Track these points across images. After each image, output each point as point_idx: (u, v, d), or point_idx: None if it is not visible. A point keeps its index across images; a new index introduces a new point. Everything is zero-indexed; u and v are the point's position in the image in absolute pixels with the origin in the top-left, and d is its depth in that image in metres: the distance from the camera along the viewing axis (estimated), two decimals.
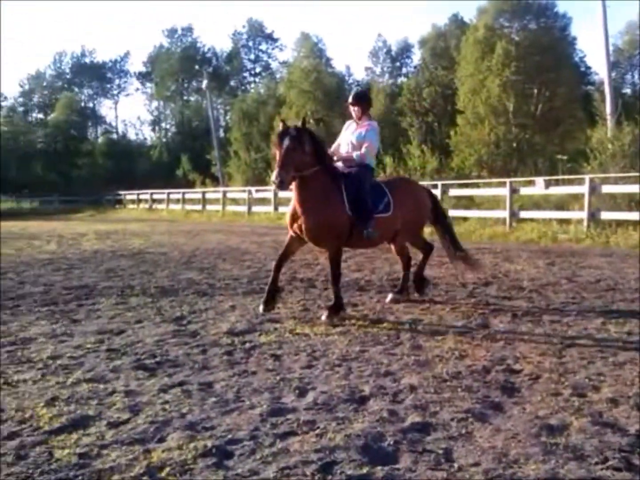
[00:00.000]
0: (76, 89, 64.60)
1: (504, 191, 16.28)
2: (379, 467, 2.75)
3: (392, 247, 6.98)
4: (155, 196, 35.38)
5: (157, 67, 63.35)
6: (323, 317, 5.79)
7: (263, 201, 26.92)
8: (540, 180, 15.76)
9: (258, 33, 66.48)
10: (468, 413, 3.38)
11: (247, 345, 4.92)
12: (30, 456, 2.89)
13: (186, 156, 46.84)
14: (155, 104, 66.03)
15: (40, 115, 62.84)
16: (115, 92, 67.87)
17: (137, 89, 68.13)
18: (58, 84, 63.76)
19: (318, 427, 3.20)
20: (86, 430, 3.19)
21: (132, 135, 67.13)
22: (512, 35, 31.13)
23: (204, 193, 31.44)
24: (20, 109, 62.38)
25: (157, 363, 4.44)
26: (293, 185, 5.74)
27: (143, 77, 66.90)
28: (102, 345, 4.97)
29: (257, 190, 27.69)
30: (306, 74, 40.11)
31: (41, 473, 2.71)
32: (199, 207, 30.08)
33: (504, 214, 15.98)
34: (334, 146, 6.49)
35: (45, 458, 2.87)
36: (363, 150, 6.10)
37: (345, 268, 9.29)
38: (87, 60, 65.82)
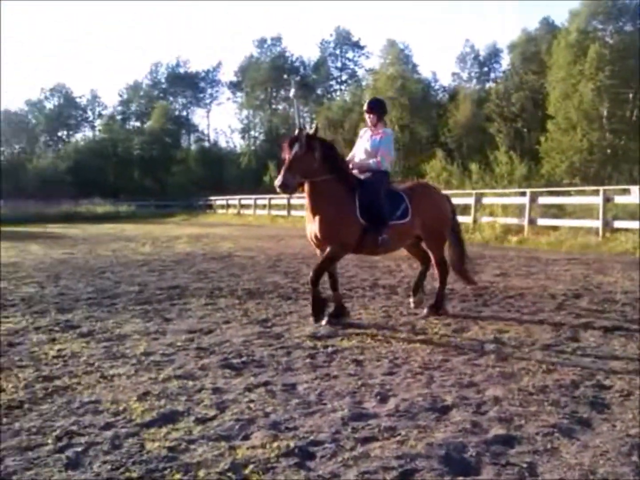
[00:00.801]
0: (171, 98, 67.32)
1: (597, 200, 15.53)
2: (461, 478, 2.72)
3: (431, 257, 6.71)
4: (243, 202, 36.28)
5: (247, 76, 65.03)
6: (323, 322, 5.89)
7: None
8: (635, 189, 14.91)
9: (345, 41, 66.95)
10: (554, 428, 3.27)
11: (330, 349, 4.98)
12: (124, 446, 3.06)
13: (273, 163, 47.71)
14: (245, 112, 67.72)
15: (137, 124, 65.93)
16: (207, 101, 70.18)
17: (228, 98, 70.18)
18: (154, 94, 66.68)
19: (399, 434, 3.19)
20: (175, 425, 3.34)
21: (222, 143, 69.25)
22: (607, 38, 29.80)
23: (289, 199, 31.89)
24: (119, 117, 65.76)
25: (243, 363, 4.57)
26: (305, 193, 5.86)
27: (234, 86, 68.81)
28: (192, 343, 5.18)
29: None
30: (392, 80, 40.01)
31: (133, 463, 2.86)
32: (284, 212, 30.53)
33: (597, 223, 15.23)
34: (350, 154, 6.51)
35: (137, 449, 3.02)
36: (379, 157, 6.13)
37: (428, 276, 9.19)
38: (182, 70, 68.47)
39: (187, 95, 68.66)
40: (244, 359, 4.69)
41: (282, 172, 5.59)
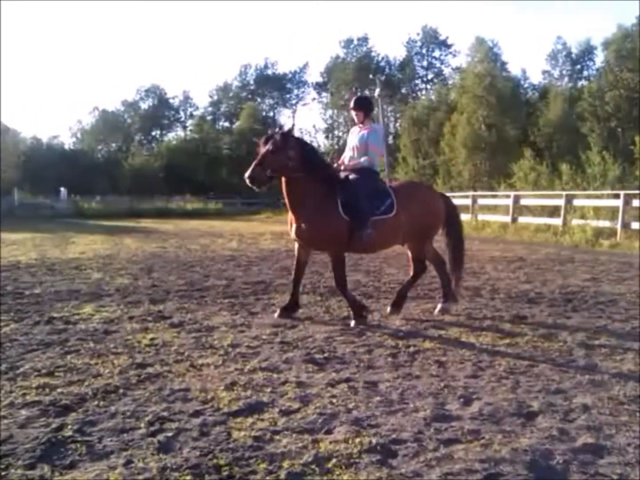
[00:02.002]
0: (258, 99, 68.66)
1: None
2: None
3: (409, 253, 6.70)
4: None
5: (333, 77, 65.39)
6: (352, 324, 5.83)
7: None
8: None
9: (432, 40, 65.99)
10: None
11: (412, 349, 4.95)
12: (212, 434, 3.18)
13: None
14: (329, 112, 68.17)
15: (226, 124, 67.74)
16: (293, 101, 71.13)
17: (314, 99, 70.76)
18: (243, 95, 68.23)
19: (483, 438, 3.15)
20: (261, 415, 3.44)
21: None
22: None
23: None
24: (209, 117, 67.77)
25: (326, 358, 4.64)
26: (284, 192, 5.95)
27: (319, 87, 69.34)
28: (276, 337, 5.30)
29: None
30: (480, 78, 39.01)
31: (221, 450, 2.97)
32: None
33: None
34: (342, 156, 6.52)
35: (225, 437, 3.13)
36: (369, 154, 6.17)
37: (514, 279, 8.98)
38: (270, 72, 69.70)
39: (274, 96, 69.80)
40: (326, 354, 4.75)
41: (252, 165, 5.73)
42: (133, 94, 68.14)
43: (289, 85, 70.25)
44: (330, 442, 3.07)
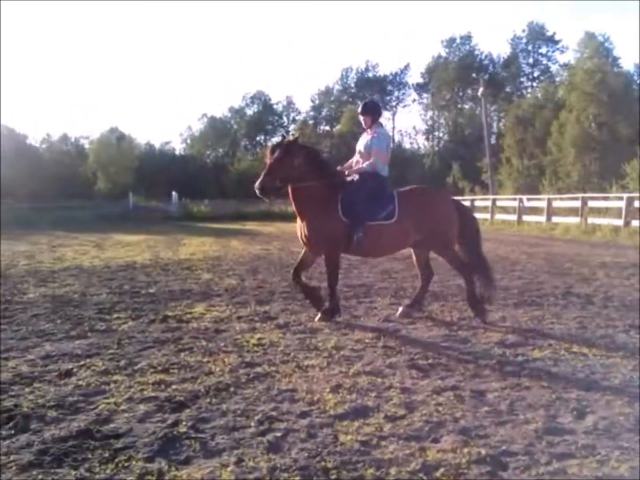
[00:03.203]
0: (359, 102, 68.76)
1: None
2: None
3: (414, 257, 6.72)
4: None
5: (434, 77, 64.54)
6: (316, 319, 6.12)
7: (535, 210, 25.65)
8: None
9: (538, 36, 63.56)
10: None
11: (520, 358, 4.80)
12: (319, 436, 3.23)
13: (457, 164, 46.91)
14: (430, 113, 67.34)
15: (327, 127, 68.55)
16: (393, 103, 70.82)
17: (414, 100, 70.18)
18: (344, 98, 68.81)
19: (599, 454, 3.00)
20: (366, 420, 3.46)
21: (406, 144, 69.41)
22: None
23: (472, 201, 31.13)
24: (311, 122, 68.83)
25: (430, 365, 4.59)
26: (290, 199, 6.14)
27: (420, 87, 68.69)
28: (379, 341, 5.31)
29: (528, 199, 26.53)
30: (589, 75, 37.10)
31: (328, 453, 3.01)
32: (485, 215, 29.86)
33: None
34: (350, 160, 6.63)
35: (331, 440, 3.18)
36: (372, 159, 6.20)
37: (628, 286, 8.45)
38: (370, 74, 69.83)
39: (374, 99, 69.81)
40: (430, 360, 4.70)
41: (261, 176, 5.91)
42: (239, 101, 70.33)
43: (389, 87, 70.03)
44: (438, 451, 3.04)
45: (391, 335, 5.58)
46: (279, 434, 3.24)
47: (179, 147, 67.50)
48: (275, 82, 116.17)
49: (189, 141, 68.71)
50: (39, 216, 25.80)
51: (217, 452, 3.06)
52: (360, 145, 6.46)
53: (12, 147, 43.44)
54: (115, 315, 6.39)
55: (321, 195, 6.05)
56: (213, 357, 4.77)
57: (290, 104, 71.61)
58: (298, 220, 6.29)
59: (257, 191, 5.96)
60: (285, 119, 71.85)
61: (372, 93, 68.29)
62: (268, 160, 6.05)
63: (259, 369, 4.44)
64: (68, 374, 4.33)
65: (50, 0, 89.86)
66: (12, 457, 2.98)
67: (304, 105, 77.57)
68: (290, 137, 6.25)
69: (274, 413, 3.55)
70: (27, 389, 4.00)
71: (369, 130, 6.41)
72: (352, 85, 70.19)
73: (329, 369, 4.45)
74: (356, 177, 6.29)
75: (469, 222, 6.57)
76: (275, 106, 71.17)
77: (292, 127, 70.15)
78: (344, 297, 7.53)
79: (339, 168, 6.56)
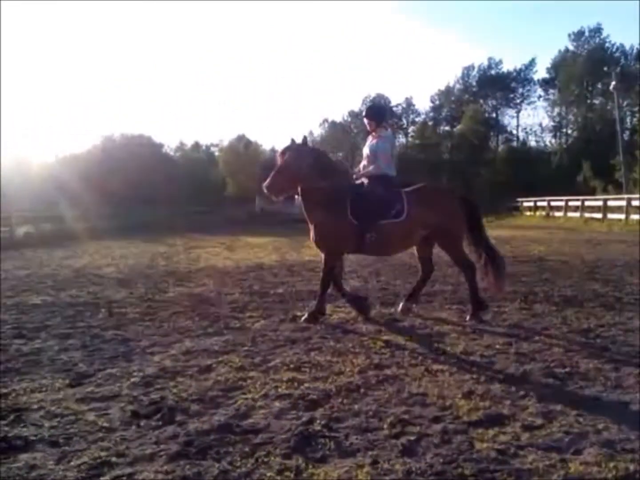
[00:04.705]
0: (481, 101, 67.03)
1: None
2: None
3: (416, 251, 6.87)
4: (552, 203, 34.42)
5: (561, 72, 61.36)
6: (302, 320, 6.21)
7: None
8: None
9: None
10: None
11: None
12: (453, 442, 3.18)
13: (588, 162, 44.24)
14: (557, 109, 64.06)
15: (447, 128, 67.29)
16: (517, 101, 68.08)
17: (540, 96, 67.03)
18: (465, 97, 67.17)
19: None
20: (502, 428, 3.35)
21: (532, 142, 66.55)
22: None
23: (605, 200, 29.23)
24: (430, 122, 67.84)
25: (567, 373, 4.37)
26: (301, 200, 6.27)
27: (546, 83, 65.51)
28: (511, 347, 5.13)
29: None
30: None
31: (464, 460, 2.95)
32: (599, 215, 28.08)
33: None
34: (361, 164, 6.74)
35: (467, 447, 3.11)
36: (377, 162, 6.35)
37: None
38: (493, 72, 67.61)
39: (497, 97, 67.53)
40: (567, 369, 4.48)
41: (270, 175, 6.07)
42: (359, 104, 70.84)
43: (513, 84, 67.39)
44: (581, 464, 2.89)
45: (523, 341, 5.37)
46: (412, 438, 3.23)
47: None
48: (394, 84, 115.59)
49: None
50: (174, 220, 27.39)
51: (351, 452, 3.09)
52: (366, 149, 6.63)
53: (149, 155, 46.49)
54: (248, 314, 6.67)
55: (331, 196, 6.16)
56: (342, 358, 4.84)
57: (409, 105, 70.99)
58: (308, 221, 6.38)
59: (264, 190, 6.14)
60: (404, 120, 71.31)
61: (494, 91, 66.18)
62: (278, 162, 6.21)
63: (387, 371, 4.44)
64: (208, 369, 4.59)
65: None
66: (161, 447, 3.18)
67: (423, 106, 76.46)
68: (300, 140, 6.44)
69: (406, 416, 3.54)
70: (171, 383, 4.28)
71: (373, 133, 6.59)
72: (474, 83, 68.26)
73: (460, 374, 4.37)
74: (365, 179, 6.43)
75: (476, 219, 6.70)
76: (394, 108, 70.83)
77: (410, 128, 69.56)
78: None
79: (350, 172, 6.72)
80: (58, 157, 45.61)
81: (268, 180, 6.13)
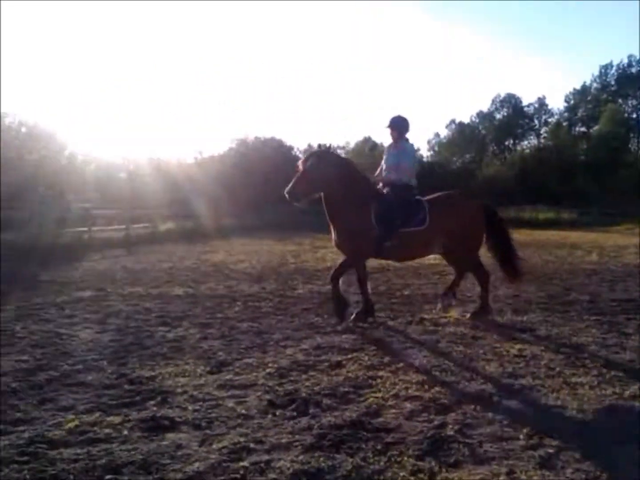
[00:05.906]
0: (620, 100, 62.73)
1: None
2: None
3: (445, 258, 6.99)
4: None
5: None
6: (350, 320, 6.29)
7: None
8: None
9: None
10: None
11: None
12: (596, 458, 3.01)
13: None
14: None
15: (583, 129, 63.59)
16: None
17: None
18: (602, 97, 63.12)
19: None
20: None
21: None
22: None
23: None
24: (565, 123, 64.40)
25: None
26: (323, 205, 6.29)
27: None
28: None
29: None
30: None
31: (607, 479, 2.80)
32: None
33: None
34: (379, 169, 6.82)
35: (609, 465, 2.95)
36: (399, 172, 6.47)
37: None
38: (634, 69, 62.98)
39: (638, 97, 62.84)
40: None
41: (292, 181, 6.06)
42: (488, 105, 68.74)
43: None
44: None
45: None
46: (551, 451, 3.11)
47: (426, 155, 68.16)
48: (526, 83, 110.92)
49: (436, 148, 68.99)
50: (302, 219, 28.04)
51: (486, 459, 3.04)
52: (387, 160, 6.69)
53: (280, 157, 47.94)
54: (376, 315, 6.71)
55: (354, 202, 6.22)
56: (472, 364, 4.76)
57: (542, 105, 67.78)
58: (331, 227, 6.41)
59: (286, 195, 6.10)
60: (536, 121, 68.24)
61: (635, 90, 61.57)
62: (301, 167, 6.20)
63: (522, 381, 4.31)
64: (338, 365, 4.70)
65: None
66: (296, 437, 3.31)
67: (557, 106, 72.49)
68: (325, 147, 6.51)
69: (543, 428, 3.41)
70: (303, 376, 4.43)
71: (395, 144, 6.66)
72: (612, 82, 63.88)
73: (600, 389, 4.14)
74: (387, 188, 6.50)
75: (498, 226, 6.80)
76: (526, 109, 67.97)
77: (543, 129, 66.44)
78: (610, 312, 6.93)
79: (372, 180, 6.70)
80: (197, 159, 48.25)
81: (290, 186, 6.13)
